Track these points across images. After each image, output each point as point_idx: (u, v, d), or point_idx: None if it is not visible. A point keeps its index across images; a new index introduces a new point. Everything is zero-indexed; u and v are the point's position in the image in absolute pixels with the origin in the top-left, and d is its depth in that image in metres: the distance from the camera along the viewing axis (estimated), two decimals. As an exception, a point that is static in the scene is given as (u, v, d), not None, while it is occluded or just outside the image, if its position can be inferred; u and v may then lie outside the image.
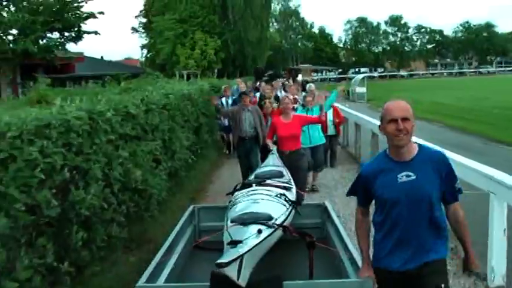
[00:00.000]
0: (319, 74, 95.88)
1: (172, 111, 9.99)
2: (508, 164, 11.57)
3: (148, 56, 55.20)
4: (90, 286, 5.48)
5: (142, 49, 59.39)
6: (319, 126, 11.12)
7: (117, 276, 5.93)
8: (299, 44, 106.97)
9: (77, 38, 25.05)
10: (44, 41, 23.85)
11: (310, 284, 4.35)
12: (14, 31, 22.65)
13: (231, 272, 3.76)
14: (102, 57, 45.23)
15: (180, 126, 10.84)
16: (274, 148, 8.89)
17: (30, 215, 4.33)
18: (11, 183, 4.01)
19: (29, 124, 4.41)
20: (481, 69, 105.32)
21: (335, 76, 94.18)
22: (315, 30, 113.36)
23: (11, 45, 22.14)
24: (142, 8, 58.49)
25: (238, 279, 3.79)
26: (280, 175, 6.77)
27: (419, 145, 3.93)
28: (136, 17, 61.92)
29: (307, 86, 17.31)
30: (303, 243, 4.73)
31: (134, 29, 62.86)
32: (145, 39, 58.00)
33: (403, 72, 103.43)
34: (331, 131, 13.48)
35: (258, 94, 16.37)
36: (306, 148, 10.31)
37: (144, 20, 59.06)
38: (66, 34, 25.14)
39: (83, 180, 5.39)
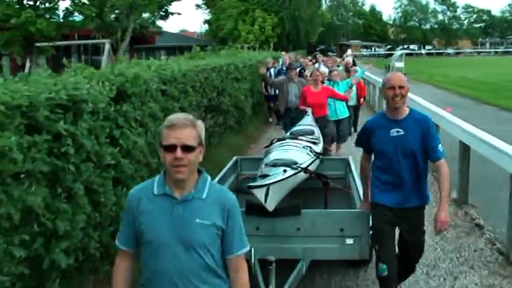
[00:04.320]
0: (369, 50, 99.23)
1: (253, 69, 16.16)
2: (477, 115, 17.00)
3: (211, 29, 60.93)
4: (222, 144, 11.68)
5: (204, 24, 65.71)
6: (344, 101, 11.44)
7: (233, 146, 12.04)
8: (349, 21, 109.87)
9: (165, 16, 31.48)
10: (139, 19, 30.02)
11: (322, 212, 5.16)
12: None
13: (259, 194, 4.51)
14: (160, 28, 48.77)
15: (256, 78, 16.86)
16: (309, 110, 9.93)
17: (209, 104, 10.59)
18: (201, 90, 10.15)
19: (210, 65, 10.67)
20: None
21: (383, 52, 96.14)
22: (366, 7, 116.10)
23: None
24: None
25: (265, 202, 4.56)
26: (311, 133, 7.68)
27: (410, 109, 4.48)
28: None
29: (345, 58, 20.10)
30: (322, 193, 5.70)
31: (198, 6, 68.90)
32: (208, 15, 64.03)
33: (449, 50, 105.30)
34: (353, 101, 14.06)
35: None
36: (331, 120, 10.90)
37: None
38: (155, 14, 31.43)
39: (222, 94, 11.68)
